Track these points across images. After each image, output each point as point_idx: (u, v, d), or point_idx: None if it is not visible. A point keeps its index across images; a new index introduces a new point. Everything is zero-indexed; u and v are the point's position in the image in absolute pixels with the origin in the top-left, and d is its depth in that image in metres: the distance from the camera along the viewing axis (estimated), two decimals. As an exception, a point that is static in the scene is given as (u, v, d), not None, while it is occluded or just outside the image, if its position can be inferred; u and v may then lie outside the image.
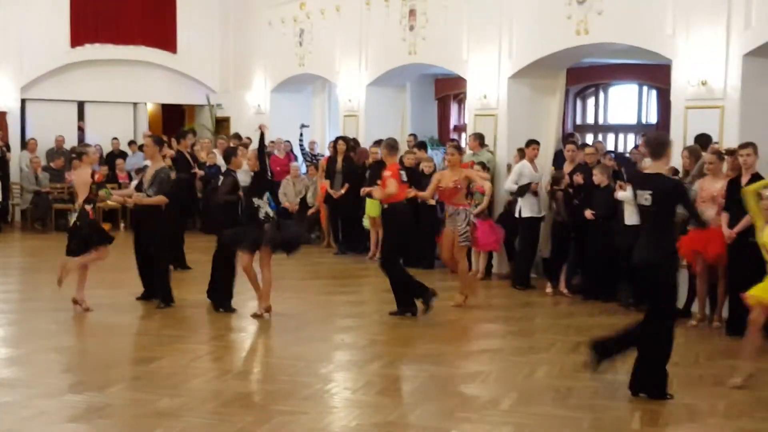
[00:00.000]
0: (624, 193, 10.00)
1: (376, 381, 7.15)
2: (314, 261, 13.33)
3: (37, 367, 7.40)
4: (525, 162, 11.68)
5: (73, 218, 9.60)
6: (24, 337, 8.67)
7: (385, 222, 9.85)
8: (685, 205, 6.68)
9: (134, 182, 12.37)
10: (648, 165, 6.97)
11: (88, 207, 9.57)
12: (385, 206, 9.61)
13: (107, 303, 10.05)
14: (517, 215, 11.69)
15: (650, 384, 6.53)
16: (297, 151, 17.45)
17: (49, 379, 6.99)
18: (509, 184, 11.63)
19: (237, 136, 18.33)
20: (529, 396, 6.75)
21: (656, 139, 6.67)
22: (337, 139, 14.86)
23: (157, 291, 9.94)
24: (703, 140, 9.84)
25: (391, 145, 9.79)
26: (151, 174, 9.87)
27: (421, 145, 14.10)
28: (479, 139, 12.70)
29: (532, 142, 11.77)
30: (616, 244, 10.31)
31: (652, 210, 6.39)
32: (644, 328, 6.54)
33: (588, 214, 10.59)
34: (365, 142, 15.28)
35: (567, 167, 11.45)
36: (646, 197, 6.43)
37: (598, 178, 10.65)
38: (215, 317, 9.55)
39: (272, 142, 17.95)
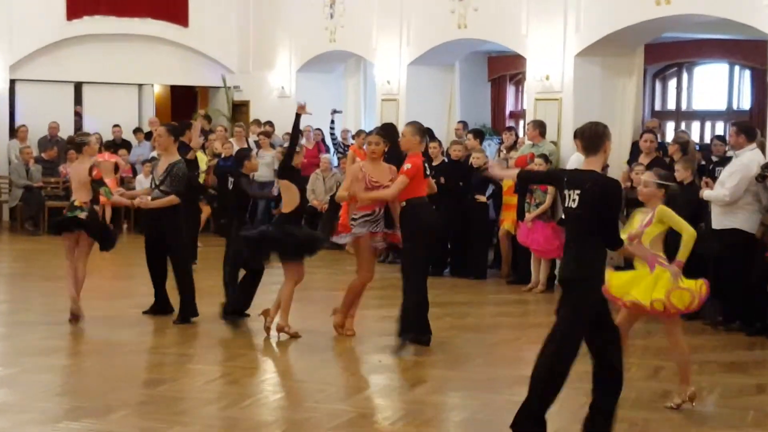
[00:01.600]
0: (710, 192, 9.93)
1: (420, 410, 7.16)
2: (346, 270, 13.33)
3: (30, 390, 7.48)
4: (579, 153, 11.57)
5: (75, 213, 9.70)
6: (14, 354, 8.79)
7: (405, 225, 9.04)
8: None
9: (140, 177, 12.47)
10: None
11: (97, 207, 9.72)
12: (403, 204, 9.00)
13: (108, 316, 10.17)
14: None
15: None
16: (328, 140, 17.52)
17: (43, 404, 7.08)
18: None
19: (257, 123, 18.50)
20: (598, 429, 6.70)
21: (590, 129, 6.58)
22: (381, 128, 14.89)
23: (182, 306, 9.96)
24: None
25: (422, 130, 9.38)
26: (164, 168, 9.92)
27: (478, 134, 14.03)
28: (540, 127, 12.65)
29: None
30: (700, 251, 10.21)
31: (578, 213, 6.23)
32: None
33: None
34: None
35: (644, 160, 11.39)
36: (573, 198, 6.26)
37: (681, 173, 10.56)
38: (231, 334, 9.61)
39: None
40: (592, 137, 6.48)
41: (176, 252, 9.97)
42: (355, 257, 9.39)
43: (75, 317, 9.70)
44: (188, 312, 9.92)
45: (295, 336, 9.24)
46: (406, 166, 8.84)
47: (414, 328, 8.82)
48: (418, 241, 8.90)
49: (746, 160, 9.84)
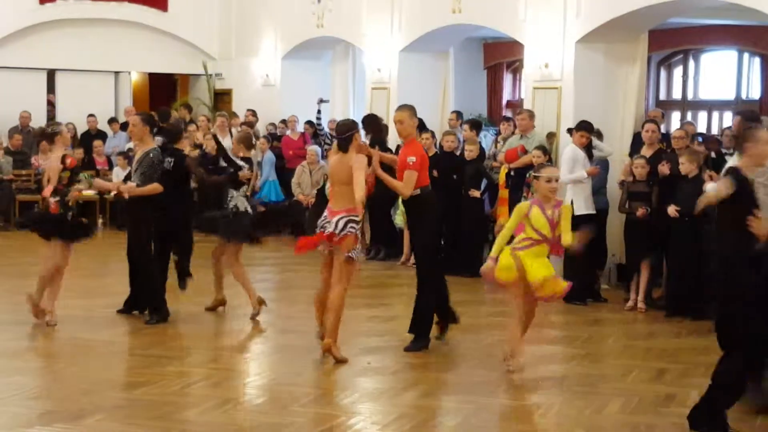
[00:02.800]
0: (713, 185, 9.92)
1: (411, 414, 7.17)
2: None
3: (-1, 393, 7.50)
4: (573, 146, 11.62)
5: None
6: (-19, 356, 8.78)
7: (417, 214, 9.20)
8: None
9: (116, 169, 12.48)
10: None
11: (53, 200, 9.67)
12: (417, 192, 9.02)
13: (82, 315, 10.16)
14: None
15: None
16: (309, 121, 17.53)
17: (13, 408, 7.06)
18: (565, 175, 11.52)
19: (252, 113, 18.46)
20: (599, 435, 6.74)
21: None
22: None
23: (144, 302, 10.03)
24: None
25: (416, 112, 9.26)
26: (139, 157, 9.94)
27: (475, 125, 14.03)
28: (533, 118, 12.66)
29: (583, 127, 11.65)
30: (705, 249, 10.26)
31: None
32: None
33: (672, 211, 10.54)
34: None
35: (645, 152, 11.41)
36: None
37: (686, 166, 10.61)
38: (212, 335, 9.62)
39: (283, 121, 18.08)
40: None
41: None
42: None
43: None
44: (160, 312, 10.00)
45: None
46: (410, 159, 8.82)
47: (428, 329, 9.24)
48: (431, 230, 9.33)
49: None
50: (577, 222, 11.43)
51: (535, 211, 8.21)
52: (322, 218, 8.56)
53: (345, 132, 8.63)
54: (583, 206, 11.45)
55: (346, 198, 8.42)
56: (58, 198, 9.69)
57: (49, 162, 9.93)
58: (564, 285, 8.34)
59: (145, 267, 10.00)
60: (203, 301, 10.80)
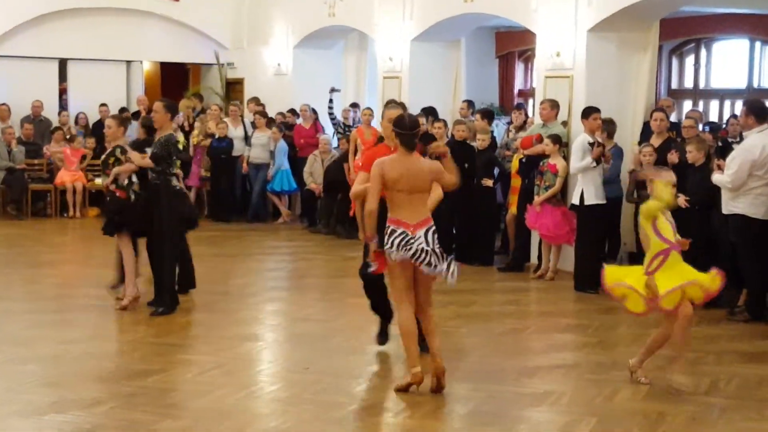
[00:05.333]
0: (717, 177, 9.90)
1: (422, 402, 7.19)
2: (345, 256, 13.40)
3: (12, 381, 7.52)
4: (585, 135, 11.61)
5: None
6: (-4, 344, 8.84)
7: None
8: None
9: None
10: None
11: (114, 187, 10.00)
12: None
13: (96, 305, 10.20)
14: (576, 202, 11.58)
15: None
16: (325, 120, 17.53)
17: (27, 396, 7.12)
18: (575, 164, 11.53)
19: (255, 101, 18.50)
20: (610, 422, 6.75)
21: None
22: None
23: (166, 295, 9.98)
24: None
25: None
26: (157, 141, 9.94)
27: (487, 114, 13.99)
28: (556, 107, 12.62)
29: (592, 110, 11.66)
30: (715, 237, 10.27)
31: None
32: None
33: (681, 201, 10.53)
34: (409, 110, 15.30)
35: (654, 141, 11.40)
36: None
37: (694, 155, 10.57)
38: (225, 323, 9.65)
39: (292, 110, 18.08)
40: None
41: (166, 232, 9.97)
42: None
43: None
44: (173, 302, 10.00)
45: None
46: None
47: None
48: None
49: (749, 143, 9.77)
50: (588, 211, 11.50)
51: (660, 219, 7.54)
52: (399, 235, 7.25)
53: (415, 127, 7.49)
54: (593, 196, 11.44)
55: (424, 205, 7.42)
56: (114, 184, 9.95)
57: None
58: (714, 280, 7.59)
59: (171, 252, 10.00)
60: (215, 289, 10.84)
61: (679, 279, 7.43)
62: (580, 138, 11.63)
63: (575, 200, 11.61)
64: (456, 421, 7.00)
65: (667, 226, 7.53)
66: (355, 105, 17.60)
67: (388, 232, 7.26)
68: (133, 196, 9.95)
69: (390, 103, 8.50)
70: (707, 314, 10.14)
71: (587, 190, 11.42)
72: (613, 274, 7.74)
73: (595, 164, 11.35)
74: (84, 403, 6.91)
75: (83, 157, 17.72)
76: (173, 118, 10.19)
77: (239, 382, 7.65)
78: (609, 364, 8.36)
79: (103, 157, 10.38)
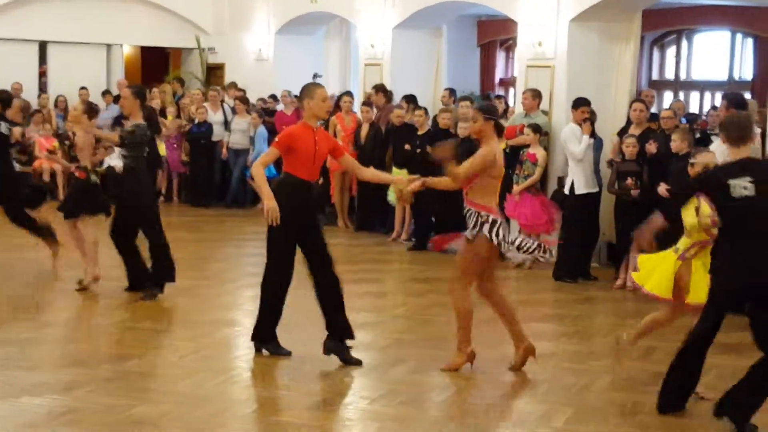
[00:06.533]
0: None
1: (400, 389, 7.20)
2: (336, 243, 13.37)
3: (-12, 364, 7.50)
4: (572, 124, 11.66)
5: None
6: (-28, 327, 8.79)
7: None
8: None
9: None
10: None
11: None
12: None
13: (74, 288, 10.14)
14: (567, 191, 11.65)
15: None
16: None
17: (2, 378, 7.07)
18: (576, 149, 11.52)
19: (234, 86, 18.46)
20: (587, 411, 6.78)
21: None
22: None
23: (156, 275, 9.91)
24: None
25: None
26: (128, 129, 9.93)
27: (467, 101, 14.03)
28: (539, 97, 12.63)
29: (581, 103, 11.70)
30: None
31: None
32: None
33: (662, 190, 10.54)
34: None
35: (634, 131, 11.42)
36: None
37: (677, 144, 10.57)
38: (203, 308, 9.64)
39: (273, 96, 18.04)
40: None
41: (145, 217, 9.93)
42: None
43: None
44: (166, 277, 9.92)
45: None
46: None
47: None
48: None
49: None
50: (577, 201, 11.54)
51: (704, 205, 7.10)
52: (500, 225, 7.54)
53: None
54: (584, 185, 11.50)
55: None
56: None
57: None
58: None
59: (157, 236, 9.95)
60: (194, 274, 10.81)
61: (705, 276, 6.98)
62: (569, 126, 11.66)
63: (566, 190, 11.67)
64: (433, 409, 7.01)
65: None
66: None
67: (489, 221, 7.47)
68: (93, 177, 10.02)
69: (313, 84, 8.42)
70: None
71: (578, 179, 11.48)
72: (645, 265, 7.54)
73: (593, 140, 11.45)
74: (60, 387, 6.89)
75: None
76: (143, 105, 10.13)
77: (217, 367, 7.64)
78: (586, 353, 8.40)
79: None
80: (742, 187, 6.29)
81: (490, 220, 7.46)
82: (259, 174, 7.75)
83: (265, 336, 7.88)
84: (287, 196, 7.64)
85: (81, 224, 10.12)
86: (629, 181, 10.99)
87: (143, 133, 9.85)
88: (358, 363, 7.73)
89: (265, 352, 7.86)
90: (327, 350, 7.80)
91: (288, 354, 7.81)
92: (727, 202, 6.37)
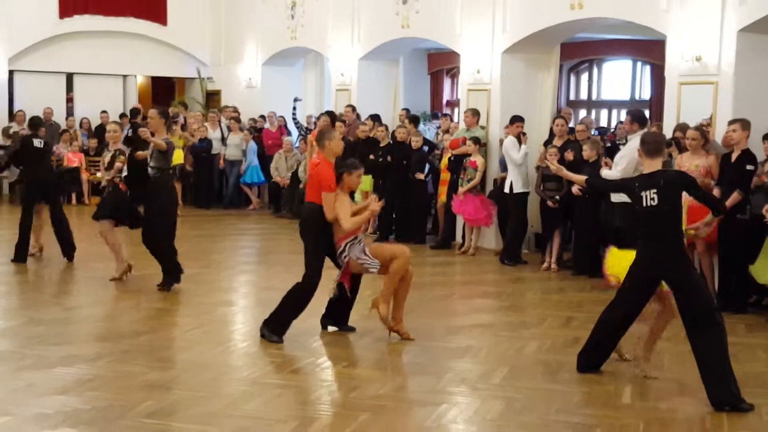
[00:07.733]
0: (608, 172, 9.96)
1: (368, 355, 7.20)
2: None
3: (25, 340, 7.39)
4: (512, 138, 11.71)
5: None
6: (12, 309, 8.68)
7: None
8: None
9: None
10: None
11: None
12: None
13: (98, 276, 10.06)
14: (507, 191, 11.71)
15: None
16: (291, 125, 17.45)
17: (38, 352, 7.00)
18: (517, 155, 11.56)
19: (229, 108, 18.33)
20: (519, 370, 6.79)
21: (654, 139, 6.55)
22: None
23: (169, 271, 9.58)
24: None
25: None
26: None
27: (413, 120, 14.10)
28: (477, 115, 12.66)
29: (516, 119, 11.80)
30: (602, 221, 10.35)
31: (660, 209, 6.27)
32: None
33: (575, 190, 10.60)
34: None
35: (557, 142, 11.47)
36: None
37: (588, 153, 10.67)
38: (205, 291, 9.57)
39: (261, 116, 17.98)
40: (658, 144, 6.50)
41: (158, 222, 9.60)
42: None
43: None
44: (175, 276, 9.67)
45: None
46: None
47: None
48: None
49: (634, 144, 9.79)
50: (516, 198, 11.60)
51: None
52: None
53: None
54: (521, 185, 11.59)
55: None
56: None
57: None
58: None
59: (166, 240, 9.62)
60: (197, 263, 10.74)
61: None
62: (509, 138, 11.72)
63: (506, 189, 11.71)
64: (394, 371, 7.01)
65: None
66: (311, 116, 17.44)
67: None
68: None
69: (328, 128, 8.43)
70: (597, 282, 10.19)
71: (516, 181, 11.56)
72: (615, 260, 6.93)
73: (527, 151, 11.57)
74: (86, 358, 6.81)
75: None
76: (167, 123, 9.69)
77: (216, 340, 7.59)
78: (518, 323, 8.42)
79: (108, 158, 10.13)
80: (650, 198, 6.28)
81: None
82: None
83: (275, 329, 7.54)
84: (320, 221, 7.46)
85: (110, 226, 9.91)
86: (549, 203, 11.02)
87: (173, 147, 9.61)
88: (351, 329, 7.84)
89: (277, 339, 7.47)
90: (324, 325, 7.88)
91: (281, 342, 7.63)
92: (640, 209, 6.35)
